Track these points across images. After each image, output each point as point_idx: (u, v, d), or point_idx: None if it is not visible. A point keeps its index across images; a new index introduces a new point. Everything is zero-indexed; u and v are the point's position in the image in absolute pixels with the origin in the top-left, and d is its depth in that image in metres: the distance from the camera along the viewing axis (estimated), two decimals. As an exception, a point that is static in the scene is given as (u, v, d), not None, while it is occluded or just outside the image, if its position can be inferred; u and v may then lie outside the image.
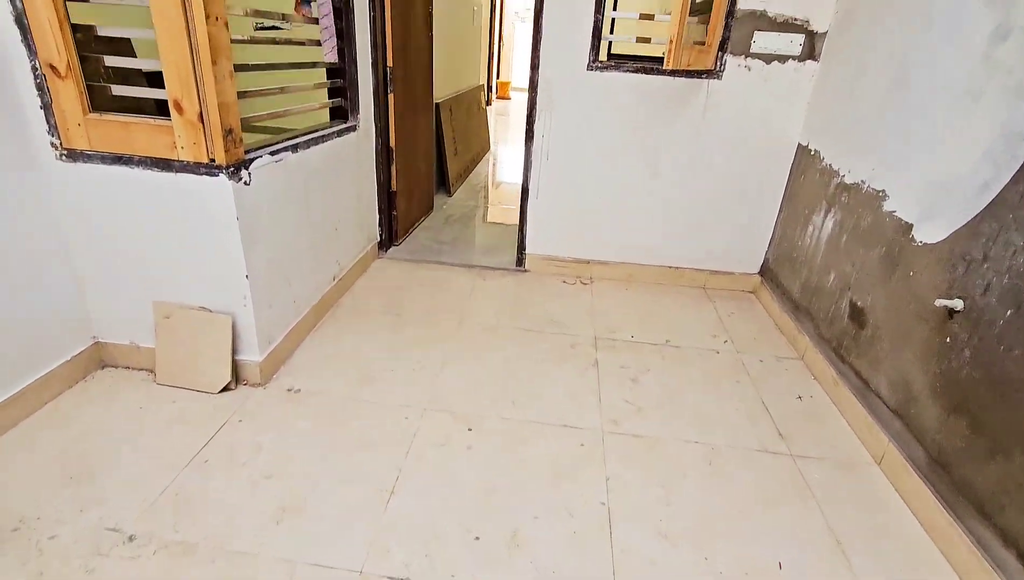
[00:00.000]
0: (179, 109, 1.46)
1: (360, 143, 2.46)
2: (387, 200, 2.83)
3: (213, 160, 1.51)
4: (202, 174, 1.53)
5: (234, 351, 1.73)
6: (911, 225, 1.60)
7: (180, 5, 1.34)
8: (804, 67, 2.30)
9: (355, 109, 2.39)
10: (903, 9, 1.74)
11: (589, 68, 2.39)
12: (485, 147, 5.65)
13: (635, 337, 2.25)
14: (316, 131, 2.07)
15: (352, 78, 2.32)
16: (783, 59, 2.30)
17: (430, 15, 3.21)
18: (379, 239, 2.86)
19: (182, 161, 1.52)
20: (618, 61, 2.40)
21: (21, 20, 1.41)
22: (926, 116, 1.57)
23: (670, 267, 2.73)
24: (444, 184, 4.07)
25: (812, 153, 2.27)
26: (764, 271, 2.65)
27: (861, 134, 1.91)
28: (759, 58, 2.30)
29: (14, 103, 1.47)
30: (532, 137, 2.55)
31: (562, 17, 2.32)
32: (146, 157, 1.53)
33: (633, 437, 1.67)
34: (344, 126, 2.28)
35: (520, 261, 2.82)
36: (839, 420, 1.81)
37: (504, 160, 5.64)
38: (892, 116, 1.74)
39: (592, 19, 2.31)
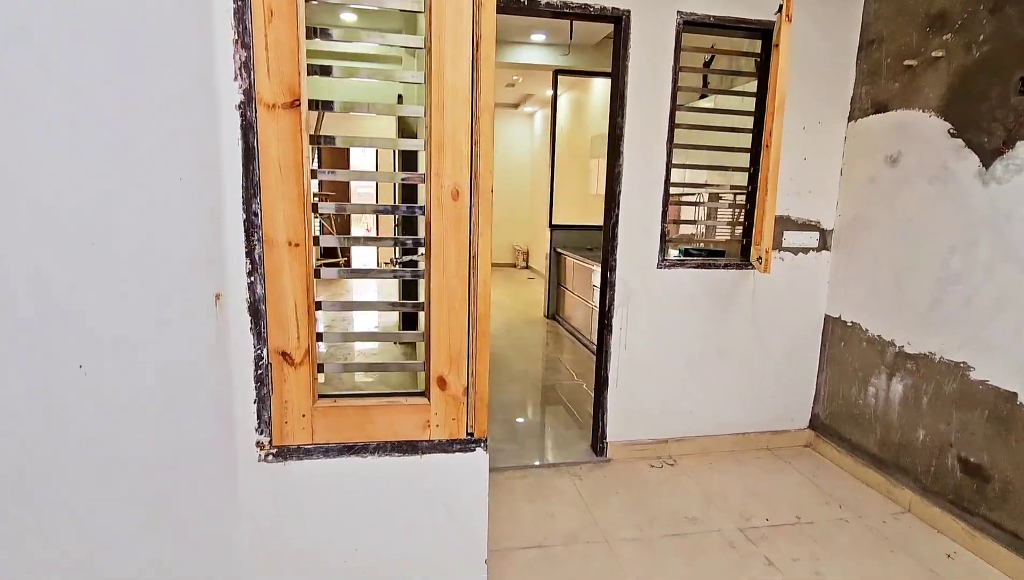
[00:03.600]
0: (442, 385, 1.29)
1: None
2: (457, 406, 2.64)
3: (471, 434, 1.33)
4: (454, 451, 1.33)
5: (460, 661, 1.39)
6: (1015, 393, 1.96)
7: (465, 281, 1.26)
8: (821, 255, 2.82)
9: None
10: (933, 227, 2.29)
11: (659, 266, 2.64)
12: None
13: (769, 519, 2.28)
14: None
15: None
16: (806, 250, 2.80)
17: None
18: (453, 450, 2.60)
19: (433, 440, 1.32)
20: (682, 258, 2.70)
21: (257, 307, 1.19)
22: (1001, 312, 2.01)
23: (738, 434, 2.89)
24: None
25: (849, 324, 2.71)
26: (816, 426, 2.93)
27: (914, 315, 2.35)
28: (789, 251, 2.77)
29: (225, 400, 1.18)
30: (610, 330, 2.65)
31: (633, 226, 2.59)
32: (386, 442, 1.30)
33: (884, 647, 1.64)
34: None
35: (601, 450, 2.76)
36: (997, 574, 1.98)
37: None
38: (951, 307, 2.19)
39: (659, 227, 2.61)
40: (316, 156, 7.74)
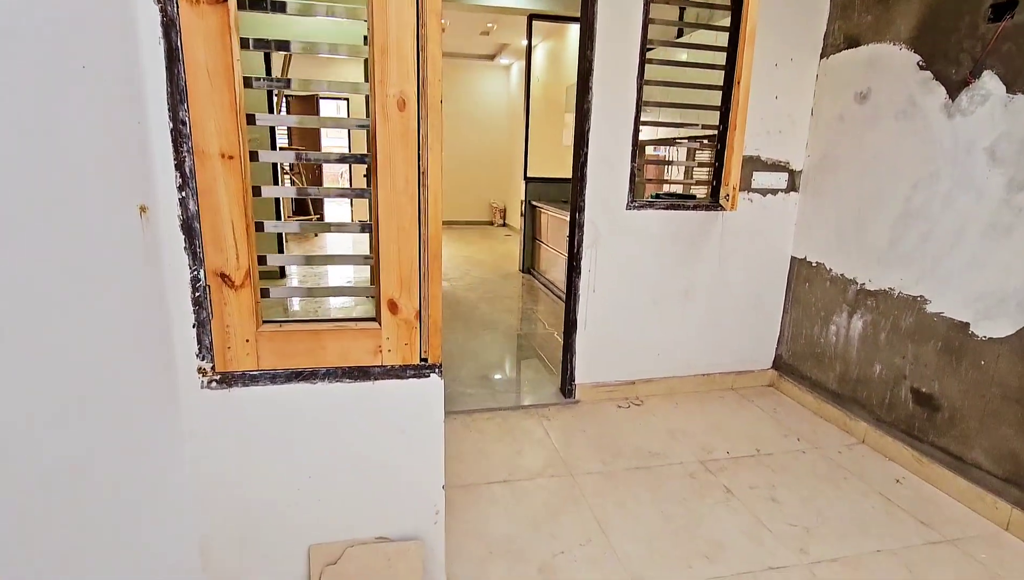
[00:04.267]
0: (393, 309, 1.26)
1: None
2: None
3: (425, 359, 1.30)
4: (408, 377, 1.30)
5: (419, 582, 1.40)
6: (967, 323, 2.01)
7: (414, 198, 1.21)
8: (789, 197, 2.81)
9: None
10: (898, 163, 2.28)
11: (628, 207, 2.61)
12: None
13: (730, 452, 2.34)
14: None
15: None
16: (774, 192, 2.79)
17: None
18: (421, 394, 2.60)
19: (385, 366, 1.29)
20: (652, 199, 2.67)
21: (190, 225, 1.12)
22: (957, 244, 2.04)
23: (703, 375, 2.93)
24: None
25: (814, 265, 2.73)
26: (780, 366, 2.99)
27: (876, 253, 2.37)
28: (758, 192, 2.76)
29: (161, 325, 1.13)
30: (579, 272, 2.63)
31: (603, 165, 2.54)
32: (337, 368, 1.26)
33: (832, 562, 1.72)
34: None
35: (569, 392, 2.78)
36: (943, 496, 2.07)
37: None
38: (911, 242, 2.21)
39: (629, 167, 2.56)
40: (284, 105, 7.42)
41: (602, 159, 2.53)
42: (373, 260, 1.24)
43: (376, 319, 1.27)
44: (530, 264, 5.80)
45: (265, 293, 1.25)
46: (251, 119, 1.15)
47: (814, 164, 2.72)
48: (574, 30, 6.28)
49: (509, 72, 9.26)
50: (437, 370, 1.32)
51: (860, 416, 2.48)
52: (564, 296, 4.68)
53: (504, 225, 9.52)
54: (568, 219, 4.50)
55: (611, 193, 2.58)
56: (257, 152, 1.19)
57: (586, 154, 2.50)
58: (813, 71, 2.68)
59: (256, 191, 1.19)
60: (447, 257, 6.71)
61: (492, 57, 8.87)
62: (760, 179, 2.74)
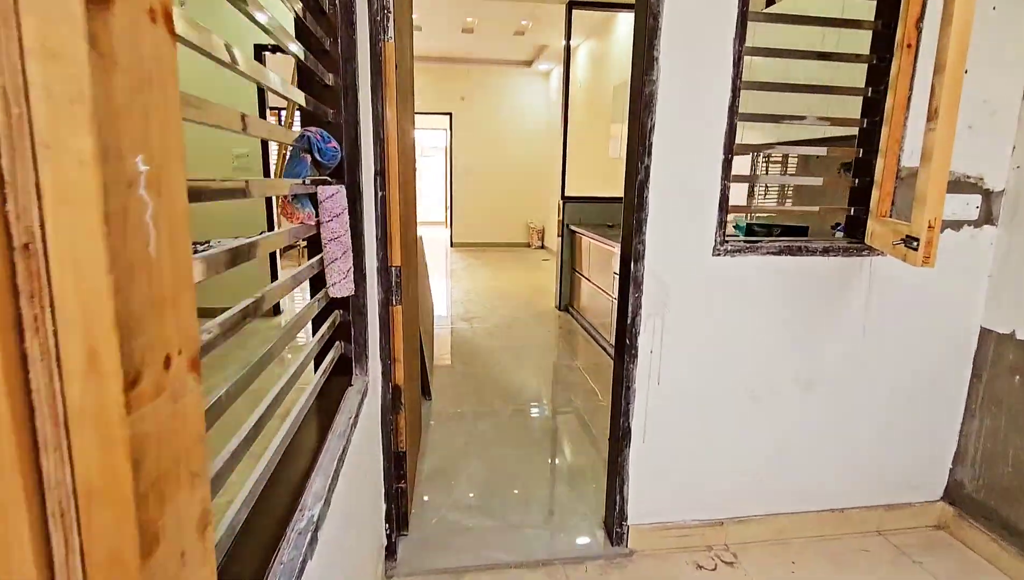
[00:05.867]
0: None
1: (369, 404, 1.37)
2: (394, 469, 1.70)
3: None
4: None
5: None
6: None
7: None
8: (981, 233, 1.74)
9: (364, 355, 1.34)
10: None
11: (716, 252, 1.62)
12: (430, 307, 4.66)
13: None
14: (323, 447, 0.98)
15: (361, 306, 1.30)
16: (957, 225, 1.73)
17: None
18: (386, 541, 1.67)
19: None
20: (755, 240, 1.67)
21: None
22: None
23: (832, 511, 1.88)
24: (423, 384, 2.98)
25: (1031, 346, 1.65)
26: (958, 499, 1.89)
27: None
28: (929, 226, 1.71)
29: None
30: (634, 355, 1.66)
31: (674, 188, 1.57)
32: None
33: None
34: (360, 396, 1.21)
35: (619, 537, 1.79)
36: None
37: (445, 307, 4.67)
38: None
39: (719, 188, 1.58)
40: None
41: (673, 177, 1.56)
42: None
43: None
44: (568, 301, 4.83)
45: None
46: None
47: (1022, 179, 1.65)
48: (622, 22, 5.34)
49: (549, 79, 8.39)
50: None
51: None
52: (610, 347, 3.69)
53: (542, 247, 8.59)
54: (614, 249, 3.51)
55: (688, 231, 1.60)
56: None
57: (647, 169, 1.54)
58: (1030, 26, 1.63)
59: None
60: (472, 289, 5.82)
61: (529, 63, 8.03)
62: (933, 205, 1.69)
